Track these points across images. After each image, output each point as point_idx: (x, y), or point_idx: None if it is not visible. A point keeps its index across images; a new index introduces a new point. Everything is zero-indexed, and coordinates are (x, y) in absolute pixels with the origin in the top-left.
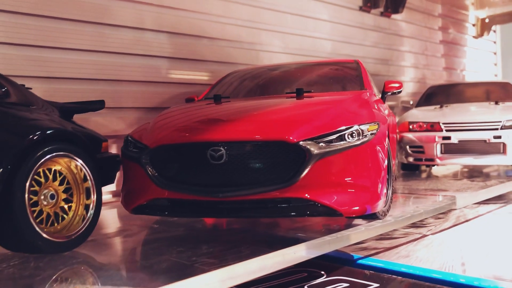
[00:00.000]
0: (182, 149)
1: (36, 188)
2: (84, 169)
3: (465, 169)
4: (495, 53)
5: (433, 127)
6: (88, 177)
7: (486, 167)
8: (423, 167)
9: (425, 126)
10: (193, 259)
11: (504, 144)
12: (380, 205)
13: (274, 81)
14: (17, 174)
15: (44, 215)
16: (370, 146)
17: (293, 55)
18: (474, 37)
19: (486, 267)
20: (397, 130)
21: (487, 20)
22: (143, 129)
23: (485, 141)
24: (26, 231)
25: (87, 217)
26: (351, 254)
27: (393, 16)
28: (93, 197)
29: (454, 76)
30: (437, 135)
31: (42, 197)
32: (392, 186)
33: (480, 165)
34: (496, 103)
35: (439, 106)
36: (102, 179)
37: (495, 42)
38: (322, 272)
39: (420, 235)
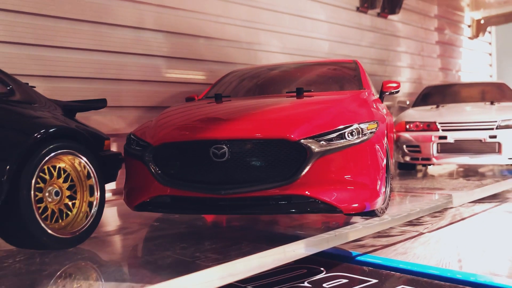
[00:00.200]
0: (185, 147)
1: (41, 185)
2: (87, 167)
3: (461, 169)
4: (490, 54)
5: (430, 126)
6: (92, 175)
7: (481, 167)
8: (419, 167)
9: (421, 125)
10: (197, 255)
11: (499, 144)
12: (379, 203)
13: (274, 80)
14: (23, 172)
15: (49, 212)
16: (369, 144)
17: (291, 55)
18: (469, 38)
19: (482, 264)
20: (394, 130)
21: (482, 22)
22: (146, 127)
23: (480, 140)
24: (32, 228)
25: (90, 214)
26: (350, 251)
27: (390, 16)
28: (97, 194)
29: (450, 76)
30: (434, 134)
31: (47, 194)
32: (390, 184)
33: (476, 165)
34: (492, 103)
35: (435, 106)
36: (105, 177)
37: (490, 43)
38: (322, 269)
39: (417, 233)
